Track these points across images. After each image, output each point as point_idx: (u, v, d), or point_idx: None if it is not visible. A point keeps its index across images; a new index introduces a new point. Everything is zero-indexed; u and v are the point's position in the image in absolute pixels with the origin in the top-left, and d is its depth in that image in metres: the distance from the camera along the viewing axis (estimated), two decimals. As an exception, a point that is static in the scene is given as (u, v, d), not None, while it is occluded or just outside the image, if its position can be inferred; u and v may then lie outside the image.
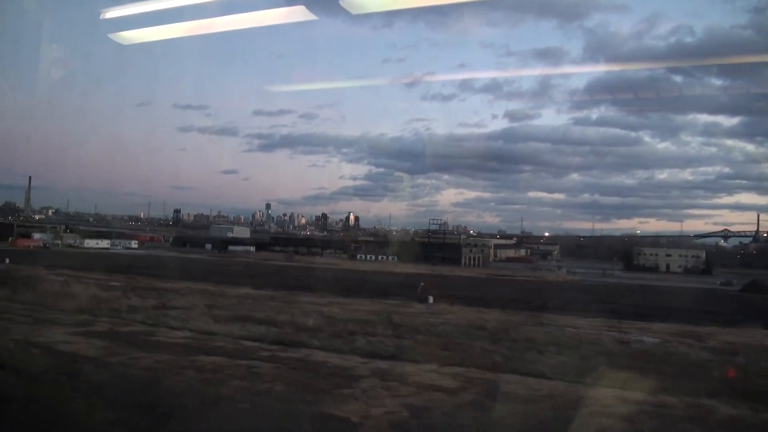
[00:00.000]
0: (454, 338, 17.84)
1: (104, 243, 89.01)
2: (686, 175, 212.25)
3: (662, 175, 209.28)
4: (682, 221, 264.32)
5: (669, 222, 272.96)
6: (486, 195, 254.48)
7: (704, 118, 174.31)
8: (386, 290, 32.27)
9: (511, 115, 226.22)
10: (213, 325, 17.78)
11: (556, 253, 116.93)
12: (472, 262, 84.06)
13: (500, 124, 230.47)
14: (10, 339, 14.76)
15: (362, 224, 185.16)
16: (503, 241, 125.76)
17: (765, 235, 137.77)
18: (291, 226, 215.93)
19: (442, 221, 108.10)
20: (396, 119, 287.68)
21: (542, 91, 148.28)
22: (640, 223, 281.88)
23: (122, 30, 11.28)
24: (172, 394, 10.23)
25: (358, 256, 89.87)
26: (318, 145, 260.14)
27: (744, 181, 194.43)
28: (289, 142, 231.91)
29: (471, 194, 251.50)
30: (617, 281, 63.31)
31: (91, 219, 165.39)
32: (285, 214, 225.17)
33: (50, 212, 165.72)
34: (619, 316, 28.75)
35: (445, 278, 52.45)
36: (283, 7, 9.86)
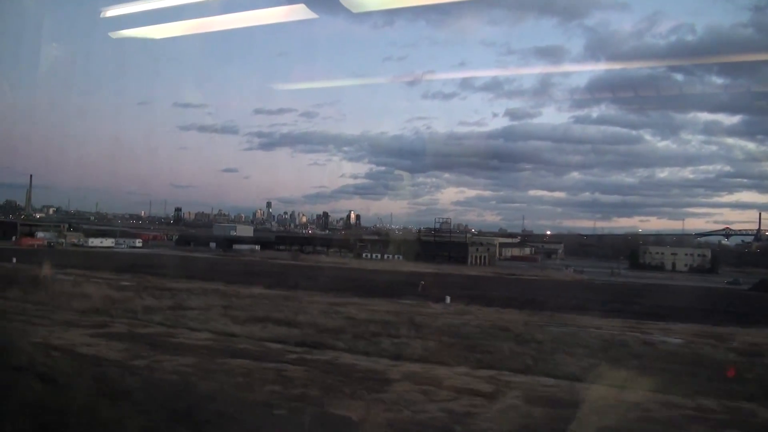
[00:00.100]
0: (480, 340, 17.47)
1: (108, 242, 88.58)
2: (687, 173, 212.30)
3: (663, 173, 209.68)
4: (682, 220, 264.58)
5: (669, 220, 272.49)
6: (486, 193, 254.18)
7: (705, 116, 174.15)
8: (398, 290, 31.87)
9: (511, 114, 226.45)
10: (233, 327, 17.40)
11: (560, 252, 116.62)
12: (478, 260, 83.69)
13: (501, 123, 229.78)
14: (29, 341, 14.38)
15: (363, 223, 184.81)
16: (508, 240, 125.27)
17: (767, 233, 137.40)
18: (292, 225, 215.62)
19: (448, 220, 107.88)
20: (396, 118, 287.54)
21: (543, 89, 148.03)
22: (641, 221, 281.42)
23: (122, 28, 11.14)
24: (206, 400, 9.83)
25: (364, 255, 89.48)
26: (318, 143, 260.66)
27: (744, 180, 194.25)
28: (289, 140, 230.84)
29: (471, 193, 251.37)
30: (626, 280, 62.94)
31: (92, 218, 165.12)
32: (286, 213, 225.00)
33: (51, 211, 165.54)
34: (636, 316, 28.37)
35: (454, 277, 52.07)
36: (283, 5, 9.80)
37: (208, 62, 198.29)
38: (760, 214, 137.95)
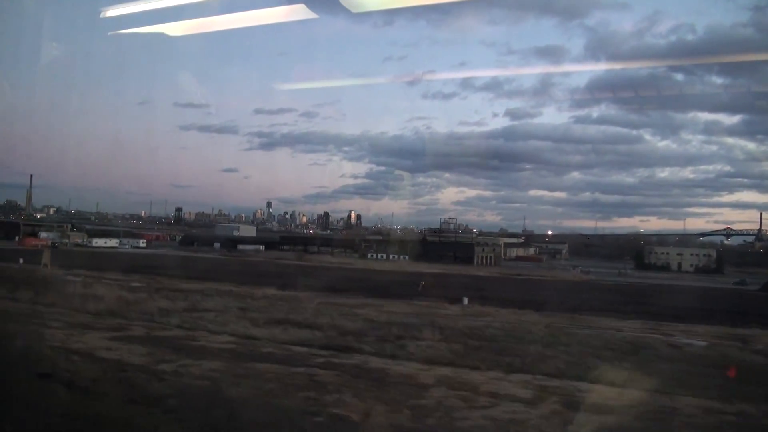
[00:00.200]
0: (505, 342, 17.10)
1: (112, 242, 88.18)
2: (687, 173, 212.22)
3: (663, 173, 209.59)
4: (682, 219, 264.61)
5: (670, 220, 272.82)
6: (487, 193, 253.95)
7: (705, 116, 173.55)
8: (410, 291, 31.51)
9: (511, 114, 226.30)
10: (253, 329, 17.01)
11: (564, 252, 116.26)
12: (483, 261, 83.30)
13: (501, 123, 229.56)
14: (48, 345, 14.01)
15: (364, 223, 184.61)
16: (512, 240, 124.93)
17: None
18: (293, 225, 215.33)
19: (453, 219, 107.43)
20: (397, 118, 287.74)
21: (543, 89, 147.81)
22: (641, 221, 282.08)
23: (122, 28, 10.97)
24: (240, 407, 9.47)
25: (369, 255, 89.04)
26: (318, 143, 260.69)
27: (745, 180, 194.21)
28: (289, 140, 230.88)
29: (472, 192, 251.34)
30: (634, 281, 62.60)
31: (92, 217, 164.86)
32: (286, 213, 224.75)
33: (51, 211, 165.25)
34: (654, 317, 28.00)
35: (463, 278, 51.75)
36: (283, 5, 9.66)
37: (209, 62, 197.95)
38: (761, 214, 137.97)
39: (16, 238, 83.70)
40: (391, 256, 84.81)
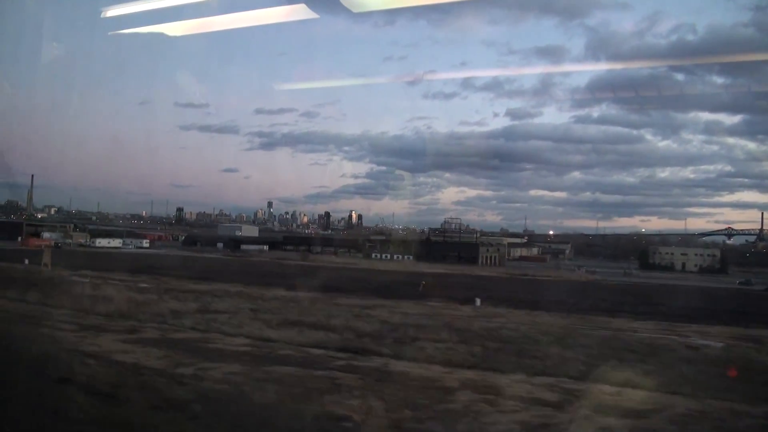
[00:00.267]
0: (524, 344, 16.84)
1: (115, 242, 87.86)
2: (687, 173, 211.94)
3: (663, 173, 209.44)
4: (683, 219, 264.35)
5: (670, 220, 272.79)
6: (487, 193, 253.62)
7: (706, 116, 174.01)
8: (420, 291, 31.25)
9: (512, 114, 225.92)
10: (268, 331, 16.77)
11: (568, 252, 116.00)
12: (488, 261, 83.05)
13: (501, 123, 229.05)
14: (62, 348, 13.76)
15: (364, 223, 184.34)
16: (516, 240, 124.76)
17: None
18: (294, 225, 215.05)
19: (457, 220, 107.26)
20: (397, 117, 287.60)
21: (543, 89, 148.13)
22: (642, 221, 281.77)
23: (123, 28, 10.88)
24: (266, 413, 9.22)
25: (373, 255, 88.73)
26: (319, 143, 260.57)
27: (745, 180, 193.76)
28: (290, 140, 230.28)
29: (472, 192, 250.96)
30: (640, 281, 62.35)
31: (93, 217, 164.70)
32: (287, 213, 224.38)
33: (52, 211, 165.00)
34: (665, 318, 27.75)
35: (470, 279, 51.53)
36: (284, 5, 9.63)
37: (209, 62, 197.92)
38: (762, 214, 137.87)
39: (19, 239, 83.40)
40: (395, 257, 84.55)
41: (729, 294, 52.45)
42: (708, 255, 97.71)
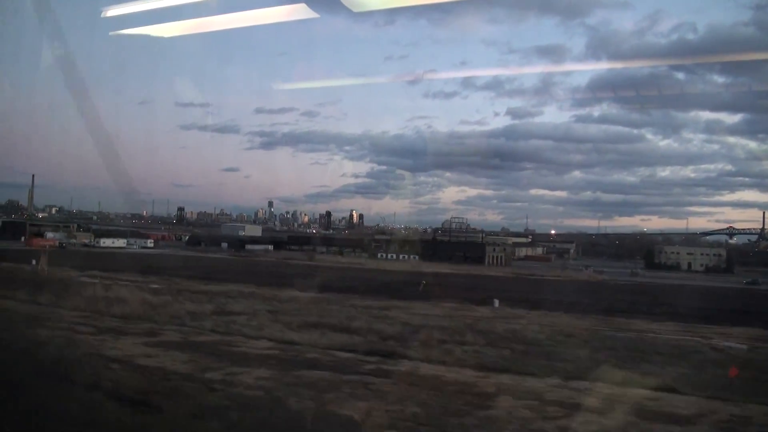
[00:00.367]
0: (551, 347, 16.52)
1: (120, 242, 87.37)
2: (688, 172, 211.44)
3: (664, 172, 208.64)
4: (684, 218, 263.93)
5: (671, 219, 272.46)
6: (488, 192, 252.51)
7: (706, 115, 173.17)
8: (433, 292, 30.88)
9: (513, 113, 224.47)
10: (290, 333, 16.44)
11: (572, 251, 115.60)
12: (494, 261, 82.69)
13: (502, 122, 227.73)
14: (83, 352, 13.42)
15: (365, 222, 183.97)
16: (520, 240, 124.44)
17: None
18: (295, 224, 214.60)
19: (463, 220, 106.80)
20: (398, 117, 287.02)
21: (544, 88, 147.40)
22: (642, 220, 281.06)
23: (123, 28, 10.74)
24: (305, 420, 8.88)
25: (379, 255, 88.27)
26: (319, 142, 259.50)
27: (746, 179, 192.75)
28: (290, 139, 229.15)
29: (473, 192, 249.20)
30: (649, 281, 61.98)
31: (94, 217, 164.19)
32: (287, 212, 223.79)
33: (53, 210, 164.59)
34: (683, 319, 27.39)
35: (480, 279, 51.21)
36: (284, 5, 9.50)
37: (209, 62, 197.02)
38: (764, 213, 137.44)
39: (22, 239, 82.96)
40: (400, 256, 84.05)
41: (739, 294, 52.15)
42: (714, 255, 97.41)
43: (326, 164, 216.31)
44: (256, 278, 37.44)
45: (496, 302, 26.47)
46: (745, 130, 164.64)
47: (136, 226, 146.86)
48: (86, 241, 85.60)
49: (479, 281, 47.07)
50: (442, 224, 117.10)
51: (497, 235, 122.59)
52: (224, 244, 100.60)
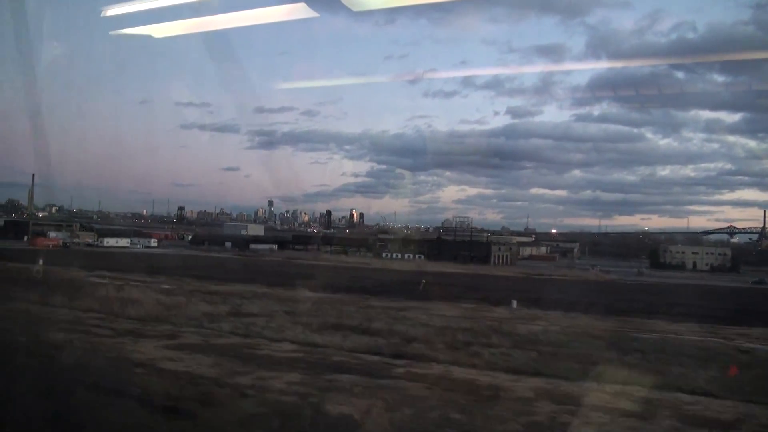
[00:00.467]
0: (579, 349, 16.16)
1: (124, 242, 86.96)
2: (688, 171, 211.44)
3: (664, 171, 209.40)
4: (683, 217, 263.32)
5: (671, 218, 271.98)
6: (488, 192, 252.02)
7: (706, 114, 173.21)
8: (447, 292, 30.59)
9: (512, 112, 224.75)
10: (311, 336, 16.13)
11: (576, 251, 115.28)
12: (500, 260, 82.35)
13: (502, 121, 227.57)
14: (104, 357, 13.10)
15: (365, 221, 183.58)
16: (524, 239, 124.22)
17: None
18: (295, 223, 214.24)
19: (469, 219, 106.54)
20: (398, 116, 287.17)
21: (544, 87, 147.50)
22: (642, 219, 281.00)
23: (123, 28, 10.70)
24: (350, 428, 8.58)
25: (384, 255, 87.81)
26: (319, 142, 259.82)
27: (746, 178, 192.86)
28: (290, 139, 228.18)
29: (473, 191, 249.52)
30: (657, 280, 61.70)
31: (94, 216, 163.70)
32: (287, 211, 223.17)
33: (54, 210, 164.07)
34: (702, 319, 27.09)
35: (489, 279, 50.94)
36: (284, 4, 9.33)
37: (209, 61, 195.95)
38: (765, 212, 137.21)
39: (25, 238, 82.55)
40: (405, 256, 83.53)
41: (749, 294, 51.93)
42: (719, 254, 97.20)
43: (326, 163, 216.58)
44: (265, 278, 37.06)
45: (514, 303, 26.16)
46: (745, 129, 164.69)
47: (136, 225, 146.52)
48: (90, 240, 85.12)
49: (489, 281, 46.78)
50: (442, 223, 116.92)
51: (500, 235, 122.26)
52: (228, 244, 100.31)
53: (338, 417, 8.93)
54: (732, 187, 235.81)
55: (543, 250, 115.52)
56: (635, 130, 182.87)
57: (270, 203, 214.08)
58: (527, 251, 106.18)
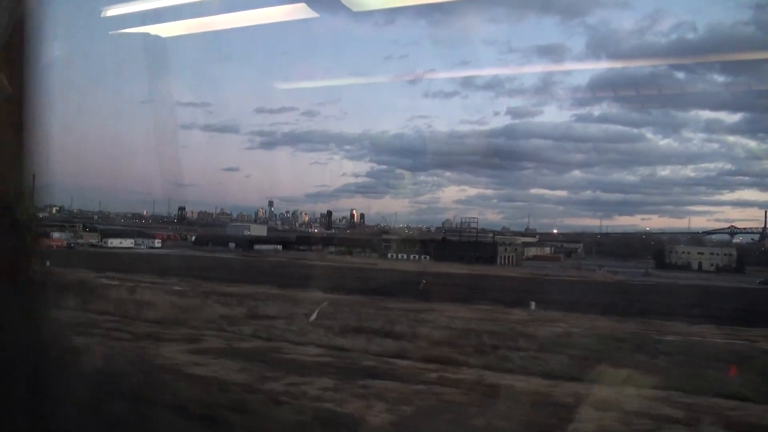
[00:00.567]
0: (608, 353, 15.89)
1: (128, 242, 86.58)
2: (688, 171, 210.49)
3: (664, 171, 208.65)
4: (683, 218, 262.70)
5: (671, 218, 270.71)
6: (488, 192, 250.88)
7: (706, 114, 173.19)
8: (461, 294, 30.30)
9: (513, 112, 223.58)
10: (335, 339, 15.83)
11: (580, 251, 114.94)
12: (505, 261, 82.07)
13: (502, 121, 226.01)
14: (127, 362, 12.77)
15: (366, 221, 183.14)
16: (529, 239, 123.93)
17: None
18: (295, 224, 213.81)
19: (475, 219, 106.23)
20: (398, 116, 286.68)
21: (544, 88, 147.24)
22: (642, 219, 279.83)
23: (123, 28, 10.59)
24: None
25: (389, 255, 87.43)
26: (320, 142, 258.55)
27: (746, 178, 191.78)
28: (290, 139, 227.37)
29: (473, 191, 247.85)
30: (665, 281, 61.38)
31: (95, 216, 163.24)
32: (288, 211, 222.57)
33: (54, 210, 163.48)
34: (720, 321, 26.80)
35: (499, 280, 50.64)
36: (284, 4, 9.40)
37: (210, 61, 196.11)
38: (765, 212, 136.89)
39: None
40: (411, 256, 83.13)
41: (758, 294, 51.67)
42: (725, 254, 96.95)
43: (326, 164, 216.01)
44: (275, 279, 36.74)
45: (533, 305, 25.87)
46: (745, 129, 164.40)
47: (137, 225, 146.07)
48: (93, 241, 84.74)
49: (498, 282, 46.48)
50: (443, 223, 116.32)
51: (503, 235, 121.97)
52: (232, 244, 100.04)
53: (381, 426, 8.64)
54: (732, 187, 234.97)
55: (547, 250, 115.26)
56: (635, 131, 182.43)
57: (270, 203, 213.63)
58: (531, 251, 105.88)
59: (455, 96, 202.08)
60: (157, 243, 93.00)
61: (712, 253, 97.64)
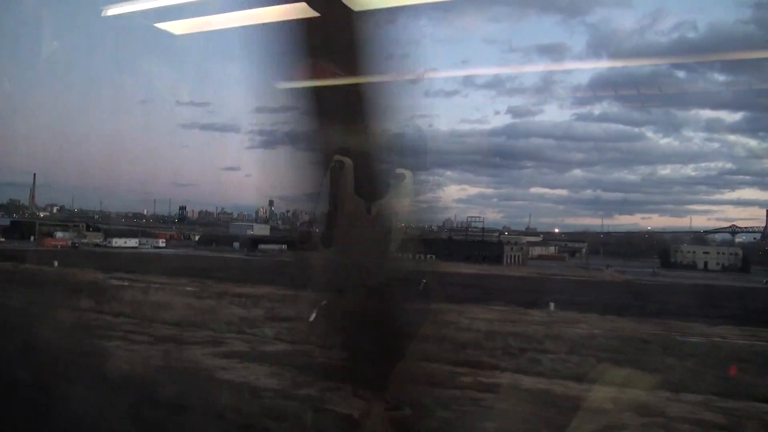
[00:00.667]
0: (636, 355, 15.69)
1: (132, 242, 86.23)
2: (689, 170, 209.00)
3: (665, 170, 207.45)
4: (684, 217, 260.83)
5: (671, 217, 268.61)
6: (488, 191, 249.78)
7: (707, 113, 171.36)
8: (473, 294, 29.98)
9: (513, 111, 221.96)
10: (360, 342, 15.51)
11: (584, 250, 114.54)
12: (511, 260, 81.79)
13: (503, 120, 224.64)
14: (153, 366, 12.55)
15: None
16: (533, 238, 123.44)
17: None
18: (296, 223, 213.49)
19: (480, 219, 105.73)
20: (398, 116, 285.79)
21: (545, 87, 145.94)
22: (643, 218, 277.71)
23: (123, 27, 10.02)
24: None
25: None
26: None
27: (747, 177, 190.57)
28: (291, 138, 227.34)
29: (473, 190, 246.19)
30: (674, 281, 61.03)
31: (96, 216, 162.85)
32: (288, 211, 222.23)
33: (55, 209, 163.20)
34: (739, 321, 26.49)
35: (508, 279, 50.39)
36: (284, 4, 8.90)
37: (210, 60, 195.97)
38: (767, 211, 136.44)
39: (32, 238, 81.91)
40: (416, 255, 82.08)
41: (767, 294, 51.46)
42: (730, 254, 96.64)
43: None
44: (285, 279, 36.44)
45: (552, 305, 25.62)
46: (746, 128, 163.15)
47: (138, 225, 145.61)
48: (98, 240, 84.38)
49: (509, 282, 46.26)
50: (444, 222, 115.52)
51: (507, 234, 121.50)
52: (236, 244, 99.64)
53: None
54: (733, 186, 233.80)
55: (551, 249, 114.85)
56: (636, 130, 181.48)
57: (271, 203, 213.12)
58: (536, 251, 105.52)
59: (456, 95, 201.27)
60: (161, 243, 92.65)
61: (718, 253, 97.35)
